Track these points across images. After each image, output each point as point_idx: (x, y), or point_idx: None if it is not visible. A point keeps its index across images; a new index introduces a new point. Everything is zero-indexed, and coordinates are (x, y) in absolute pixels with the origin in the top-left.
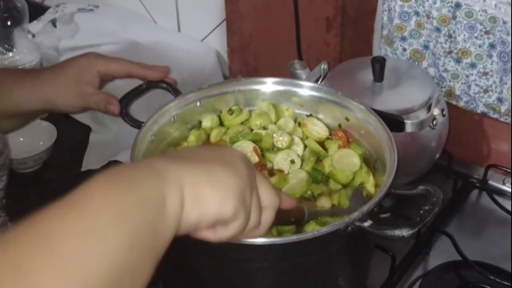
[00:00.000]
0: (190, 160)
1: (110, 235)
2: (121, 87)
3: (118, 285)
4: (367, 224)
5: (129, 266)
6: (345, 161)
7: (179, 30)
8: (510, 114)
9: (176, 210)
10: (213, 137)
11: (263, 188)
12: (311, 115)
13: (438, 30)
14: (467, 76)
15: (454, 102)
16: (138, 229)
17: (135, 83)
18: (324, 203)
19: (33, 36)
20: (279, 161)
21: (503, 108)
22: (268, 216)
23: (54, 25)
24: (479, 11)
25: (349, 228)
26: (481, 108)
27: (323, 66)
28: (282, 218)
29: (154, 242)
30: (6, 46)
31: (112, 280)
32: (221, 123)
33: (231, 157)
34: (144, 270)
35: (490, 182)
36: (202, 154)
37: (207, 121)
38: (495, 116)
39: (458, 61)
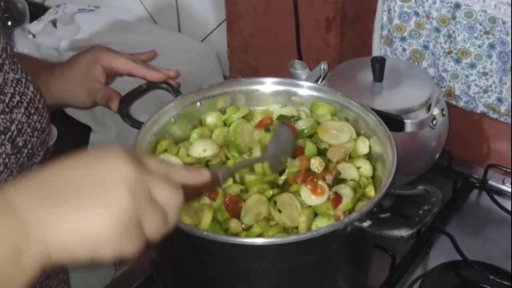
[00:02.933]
0: (58, 201)
1: None
2: (122, 87)
3: None
4: (366, 224)
5: None
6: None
7: (179, 30)
8: (509, 114)
9: (34, 260)
10: (215, 136)
11: (162, 196)
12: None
13: (437, 30)
14: (466, 76)
15: (453, 102)
16: None
17: (135, 83)
18: None
19: (34, 36)
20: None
21: (503, 108)
22: (173, 216)
23: (55, 26)
24: (478, 11)
25: (348, 228)
26: (480, 108)
27: (323, 66)
28: (194, 193)
29: (9, 281)
30: None
31: None
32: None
33: (106, 183)
34: None
35: (490, 182)
36: (72, 184)
37: (212, 118)
38: (495, 116)
39: (457, 61)
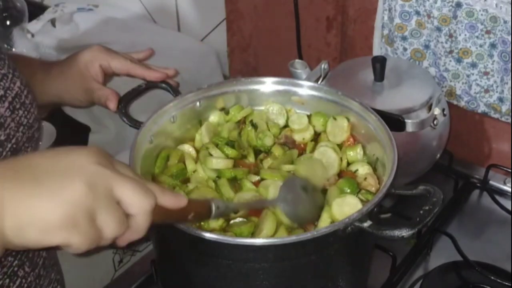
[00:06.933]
0: (15, 181)
1: None
2: (121, 87)
3: None
4: (366, 224)
5: None
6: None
7: (179, 30)
8: (511, 114)
9: None
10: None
11: (126, 195)
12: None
13: (438, 29)
14: (468, 75)
15: (455, 102)
16: None
17: (134, 82)
18: None
19: (33, 35)
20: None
21: (504, 108)
22: (139, 221)
23: (54, 25)
24: (480, 10)
25: (349, 228)
26: (482, 108)
27: (324, 65)
28: (174, 216)
29: None
30: (5, 45)
31: None
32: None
33: (66, 172)
34: None
35: (491, 182)
36: (34, 168)
37: (215, 116)
38: (496, 116)
39: (459, 60)
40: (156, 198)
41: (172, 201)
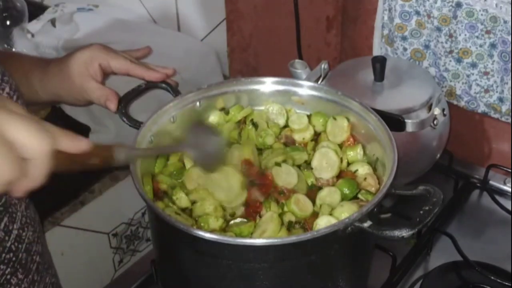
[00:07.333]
0: None
1: None
2: (120, 87)
3: None
4: (366, 224)
5: None
6: (328, 199)
7: (178, 29)
8: (511, 114)
9: None
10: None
11: (20, 136)
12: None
13: (439, 29)
14: (468, 75)
15: (455, 102)
16: None
17: (133, 82)
18: None
19: (33, 35)
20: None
21: (504, 108)
22: (36, 166)
23: (54, 25)
24: (480, 10)
25: (349, 228)
26: (482, 108)
27: (324, 65)
28: (76, 161)
29: None
30: (6, 45)
31: None
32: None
33: None
34: None
35: (491, 182)
36: None
37: (214, 116)
38: (496, 116)
39: (459, 60)
40: (55, 140)
41: (73, 144)
